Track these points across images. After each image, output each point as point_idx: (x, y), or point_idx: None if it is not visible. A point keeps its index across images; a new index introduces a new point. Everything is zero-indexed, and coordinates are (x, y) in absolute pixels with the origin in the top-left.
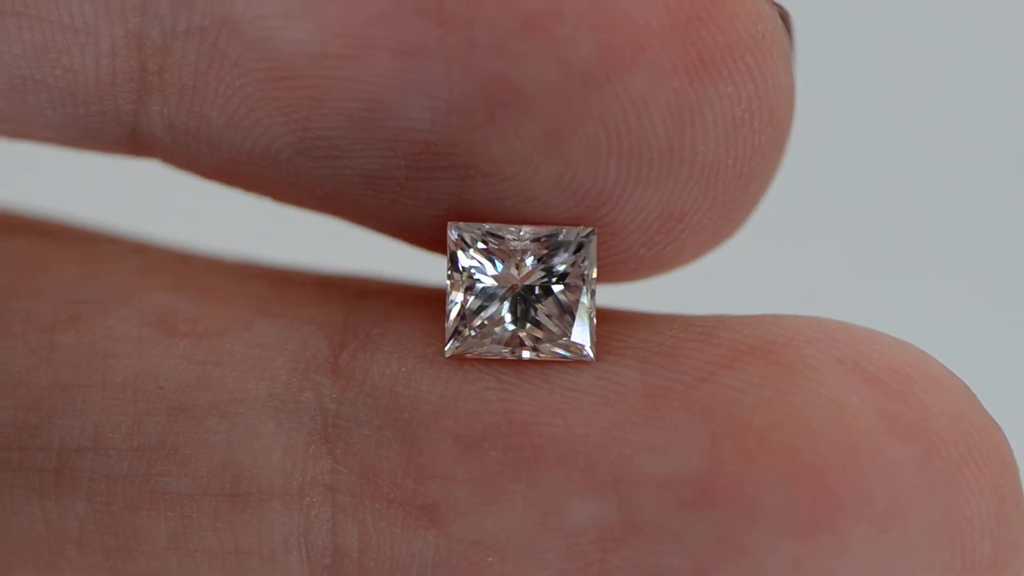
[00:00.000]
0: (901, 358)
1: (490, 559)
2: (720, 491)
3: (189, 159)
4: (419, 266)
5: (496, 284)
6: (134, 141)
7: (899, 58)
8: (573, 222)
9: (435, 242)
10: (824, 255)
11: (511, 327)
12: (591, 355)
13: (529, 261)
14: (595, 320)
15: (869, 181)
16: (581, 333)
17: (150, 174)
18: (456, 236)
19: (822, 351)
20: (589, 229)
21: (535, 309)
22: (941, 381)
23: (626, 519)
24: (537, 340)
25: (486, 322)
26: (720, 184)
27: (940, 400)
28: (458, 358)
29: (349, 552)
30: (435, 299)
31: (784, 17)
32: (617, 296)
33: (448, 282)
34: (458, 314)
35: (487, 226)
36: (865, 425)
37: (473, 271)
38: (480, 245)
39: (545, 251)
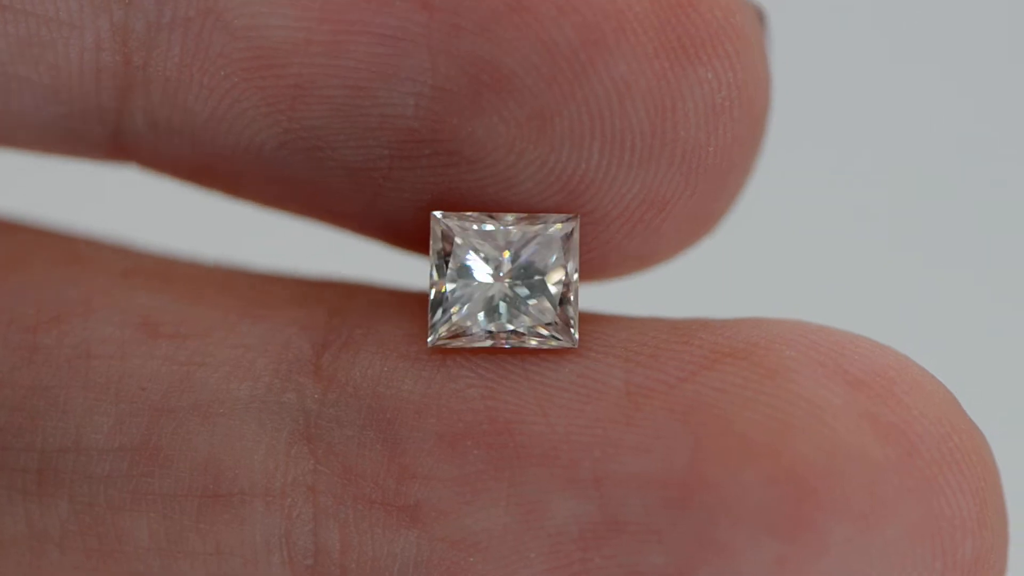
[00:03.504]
0: (882, 361)
1: (472, 559)
2: (702, 491)
3: (171, 158)
4: (400, 272)
5: (479, 272)
6: (116, 142)
7: (879, 58)
8: (556, 210)
9: (417, 241)
10: (804, 259)
11: (495, 316)
12: (574, 341)
13: (512, 249)
14: (577, 306)
15: (849, 183)
16: (564, 319)
17: (133, 178)
18: (439, 225)
19: (803, 353)
20: (572, 216)
21: (518, 296)
22: (922, 384)
23: (608, 518)
24: (521, 328)
25: (470, 311)
26: (701, 171)
27: (921, 403)
28: (441, 350)
29: (330, 553)
30: (417, 300)
31: (760, 15)
32: (600, 298)
33: (431, 271)
34: (441, 304)
35: (470, 215)
36: (846, 426)
37: (456, 260)
38: (463, 234)
39: (528, 238)
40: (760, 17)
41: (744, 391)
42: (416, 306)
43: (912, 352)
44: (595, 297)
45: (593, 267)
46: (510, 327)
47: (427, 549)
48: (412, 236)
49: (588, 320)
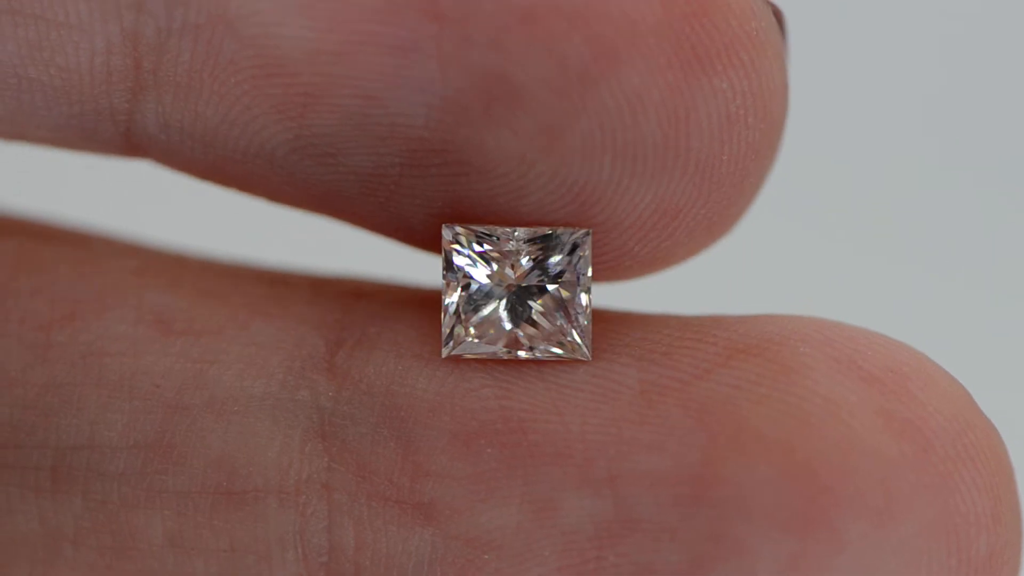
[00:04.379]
0: (897, 357)
1: (486, 556)
2: (716, 488)
3: (184, 159)
4: (415, 267)
5: (491, 284)
6: (129, 141)
7: (893, 59)
8: (567, 220)
9: (429, 242)
10: (819, 255)
11: (507, 327)
12: (588, 355)
13: (524, 261)
14: (591, 319)
15: (863, 181)
16: (577, 332)
17: (144, 176)
18: (451, 237)
19: (818, 350)
20: (584, 231)
21: (531, 309)
22: (936, 380)
23: (622, 516)
24: (533, 340)
25: (482, 322)
26: (714, 180)
27: (935, 399)
28: (455, 358)
29: (345, 550)
30: (431, 299)
31: (778, 16)
32: (613, 296)
33: (443, 283)
34: (454, 315)
35: (481, 228)
36: (861, 423)
37: (468, 272)
38: (475, 246)
39: (540, 251)
40: (779, 20)
41: (758, 388)
42: (430, 305)
43: (926, 348)
44: (608, 295)
45: (605, 271)
46: (522, 339)
47: (441, 547)
48: (425, 239)
49: (601, 318)
